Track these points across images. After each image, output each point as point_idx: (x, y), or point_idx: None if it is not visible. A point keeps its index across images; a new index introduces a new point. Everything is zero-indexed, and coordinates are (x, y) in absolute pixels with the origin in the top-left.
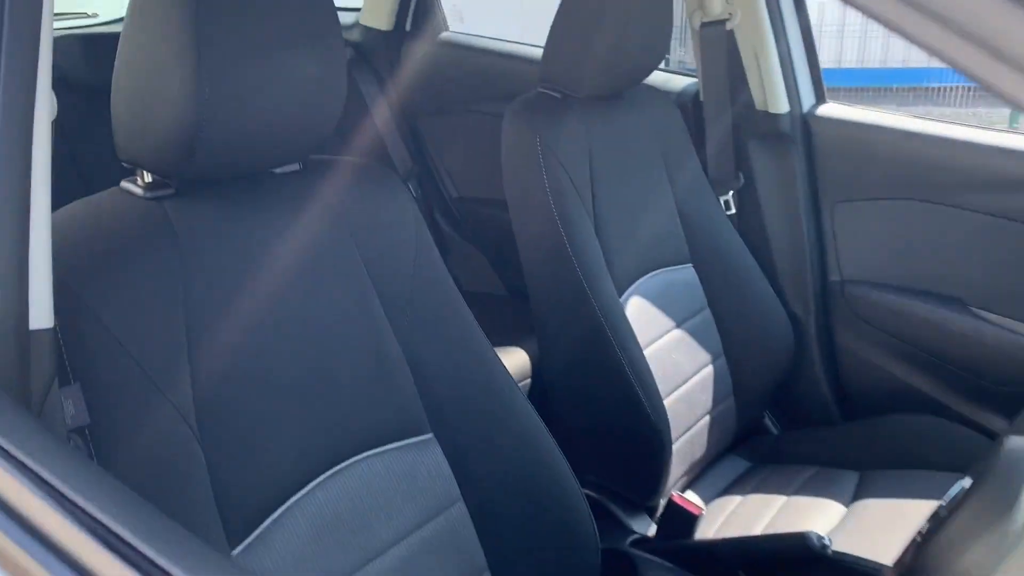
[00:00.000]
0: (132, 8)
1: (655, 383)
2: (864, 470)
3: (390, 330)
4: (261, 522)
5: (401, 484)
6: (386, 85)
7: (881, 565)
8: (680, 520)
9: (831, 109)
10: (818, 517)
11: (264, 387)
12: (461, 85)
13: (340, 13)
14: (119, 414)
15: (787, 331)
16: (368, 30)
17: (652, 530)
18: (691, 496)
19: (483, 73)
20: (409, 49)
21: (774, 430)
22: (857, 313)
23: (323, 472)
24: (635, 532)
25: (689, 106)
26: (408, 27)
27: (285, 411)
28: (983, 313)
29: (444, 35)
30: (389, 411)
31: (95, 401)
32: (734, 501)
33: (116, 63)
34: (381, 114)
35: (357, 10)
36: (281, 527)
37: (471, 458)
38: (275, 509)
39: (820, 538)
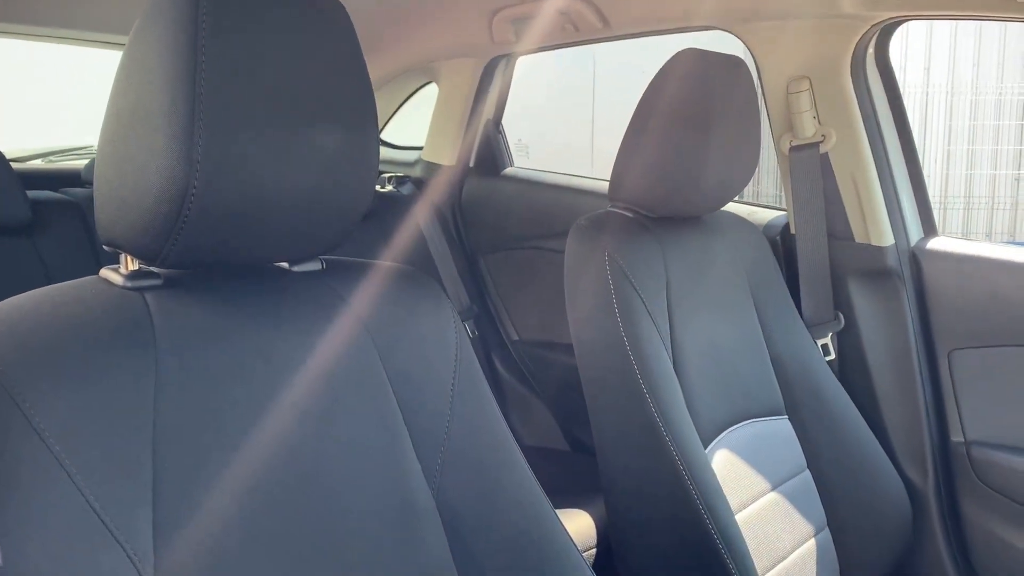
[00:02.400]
0: (125, 55)
1: (751, 560)
2: None
3: (420, 473)
4: None
5: None
6: (447, 221)
7: None
8: None
9: (944, 243)
10: None
11: (250, 543)
12: (525, 220)
13: (403, 152)
14: (49, 557)
15: (903, 500)
16: (430, 165)
17: None
18: None
19: (548, 208)
20: (472, 185)
21: None
22: (986, 482)
23: None
24: None
25: (777, 240)
26: (472, 163)
27: (275, 574)
28: None
29: (508, 170)
30: (409, 573)
31: (14, 537)
32: None
33: (102, 123)
34: (440, 250)
35: (419, 148)
36: None
37: None
38: None
39: None
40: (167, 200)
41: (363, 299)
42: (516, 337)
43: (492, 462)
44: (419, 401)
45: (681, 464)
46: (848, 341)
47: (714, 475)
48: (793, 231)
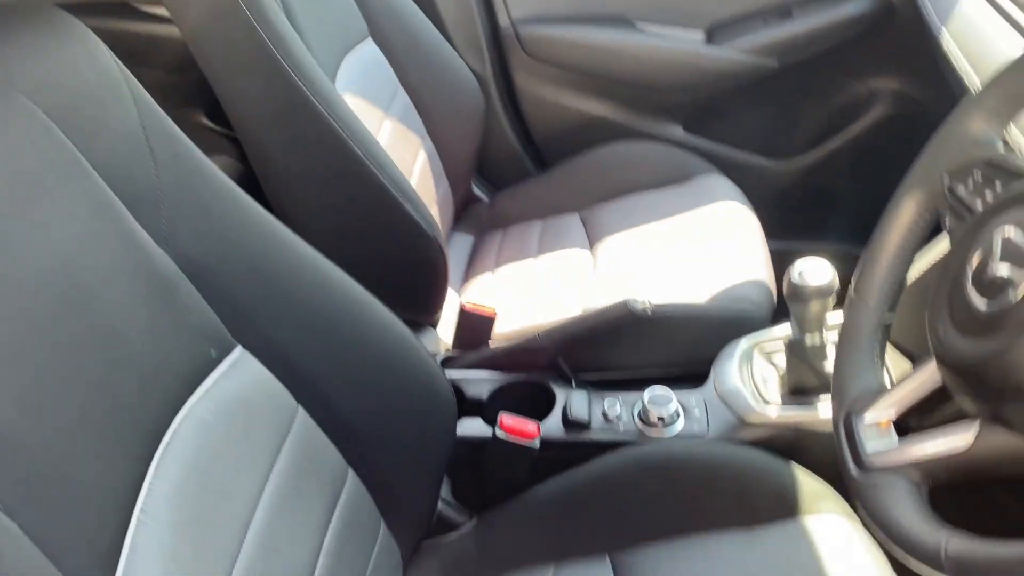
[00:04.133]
0: None
1: (410, 184)
2: (580, 209)
3: (150, 240)
4: (117, 560)
5: (236, 424)
6: None
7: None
8: (477, 327)
9: None
10: (573, 271)
11: (39, 389)
12: None
13: None
14: None
15: (476, 93)
16: None
17: (443, 344)
18: (478, 300)
19: None
20: None
21: (484, 197)
22: (533, 55)
23: (153, 455)
24: (434, 352)
25: None
26: None
27: (75, 405)
28: (649, 26)
29: None
30: (184, 342)
31: None
32: (487, 278)
33: None
34: None
35: None
36: (140, 548)
37: (294, 357)
38: (124, 533)
39: (641, 302)
40: None
41: (16, 71)
42: None
43: (211, 197)
44: (120, 167)
45: (326, 112)
46: None
47: (350, 109)
48: None
